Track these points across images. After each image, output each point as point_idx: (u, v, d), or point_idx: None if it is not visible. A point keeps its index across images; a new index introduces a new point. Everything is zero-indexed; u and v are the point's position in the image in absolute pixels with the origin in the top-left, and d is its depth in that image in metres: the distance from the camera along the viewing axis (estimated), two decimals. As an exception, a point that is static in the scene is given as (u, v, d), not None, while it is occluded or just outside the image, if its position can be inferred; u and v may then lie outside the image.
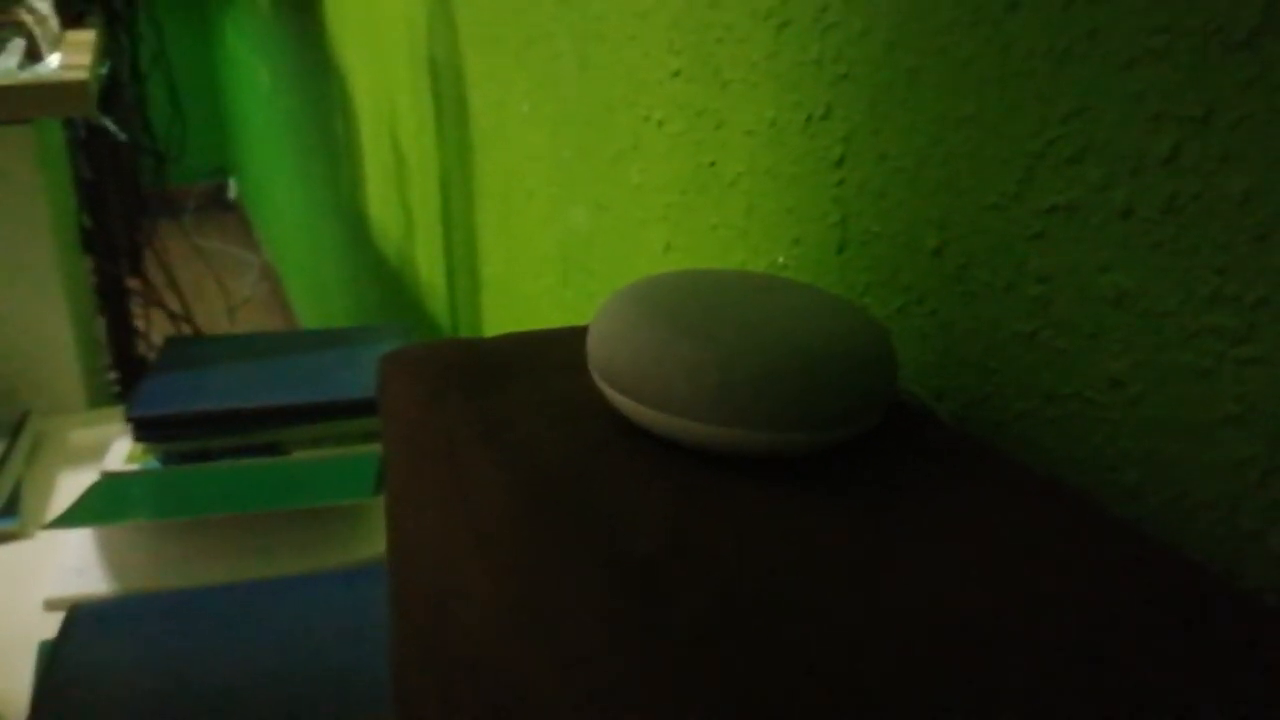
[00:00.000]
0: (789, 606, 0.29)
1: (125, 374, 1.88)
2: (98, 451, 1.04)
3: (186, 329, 2.17)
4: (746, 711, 0.25)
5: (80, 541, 0.85)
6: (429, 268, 1.37)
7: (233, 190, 4.51)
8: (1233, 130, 0.32)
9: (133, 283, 2.01)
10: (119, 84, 2.12)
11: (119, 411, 1.14)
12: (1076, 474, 0.40)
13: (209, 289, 3.39)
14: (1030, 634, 0.28)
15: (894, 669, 0.27)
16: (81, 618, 0.72)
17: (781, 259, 0.56)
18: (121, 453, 0.93)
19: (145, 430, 0.92)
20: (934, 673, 0.27)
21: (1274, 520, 0.33)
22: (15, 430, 1.03)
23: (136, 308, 1.96)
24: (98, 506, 0.83)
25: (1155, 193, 0.35)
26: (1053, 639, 0.28)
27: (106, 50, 2.00)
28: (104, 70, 1.90)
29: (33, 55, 1.23)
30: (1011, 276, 0.41)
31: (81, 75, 1.13)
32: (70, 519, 0.80)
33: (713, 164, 0.61)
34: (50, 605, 0.78)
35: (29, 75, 1.12)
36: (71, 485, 0.97)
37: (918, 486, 0.36)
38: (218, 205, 4.53)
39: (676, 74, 0.64)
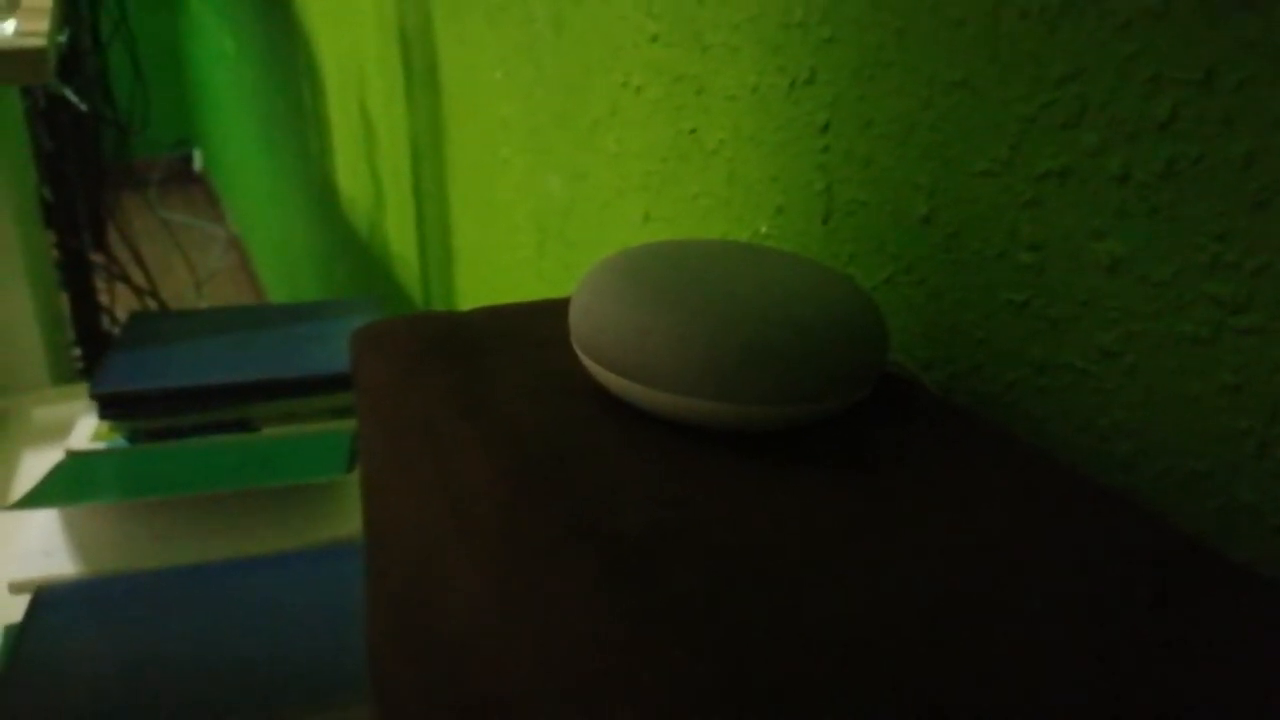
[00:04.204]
0: (779, 587, 0.28)
1: (89, 350, 1.84)
2: (62, 430, 1.01)
3: (152, 304, 2.13)
4: (737, 700, 0.24)
5: (46, 523, 0.83)
6: (400, 239, 1.35)
7: (198, 162, 4.43)
8: (1235, 93, 0.31)
9: (96, 257, 1.97)
10: (79, 52, 2.06)
11: (83, 388, 1.12)
12: (1068, 445, 0.39)
13: (175, 263, 3.33)
14: (1018, 606, 0.28)
15: (885, 646, 0.26)
16: (47, 600, 0.71)
17: (764, 228, 0.55)
18: (87, 431, 0.91)
19: (111, 407, 0.89)
20: (925, 646, 0.26)
21: (1270, 492, 0.33)
22: (-24, 409, 1.00)
23: (100, 283, 1.92)
24: (63, 486, 0.81)
25: (1153, 157, 0.34)
26: (1040, 612, 0.27)
27: (65, 17, 1.94)
28: (63, 38, 1.84)
29: (-14, 21, 1.19)
30: (1003, 244, 0.40)
31: (39, 42, 1.09)
32: (35, 499, 0.78)
33: (693, 131, 0.60)
34: (15, 588, 0.76)
35: (-18, 42, 1.09)
36: (36, 465, 0.95)
37: (906, 460, 0.35)
38: (183, 177, 4.44)
39: (655, 38, 0.62)
